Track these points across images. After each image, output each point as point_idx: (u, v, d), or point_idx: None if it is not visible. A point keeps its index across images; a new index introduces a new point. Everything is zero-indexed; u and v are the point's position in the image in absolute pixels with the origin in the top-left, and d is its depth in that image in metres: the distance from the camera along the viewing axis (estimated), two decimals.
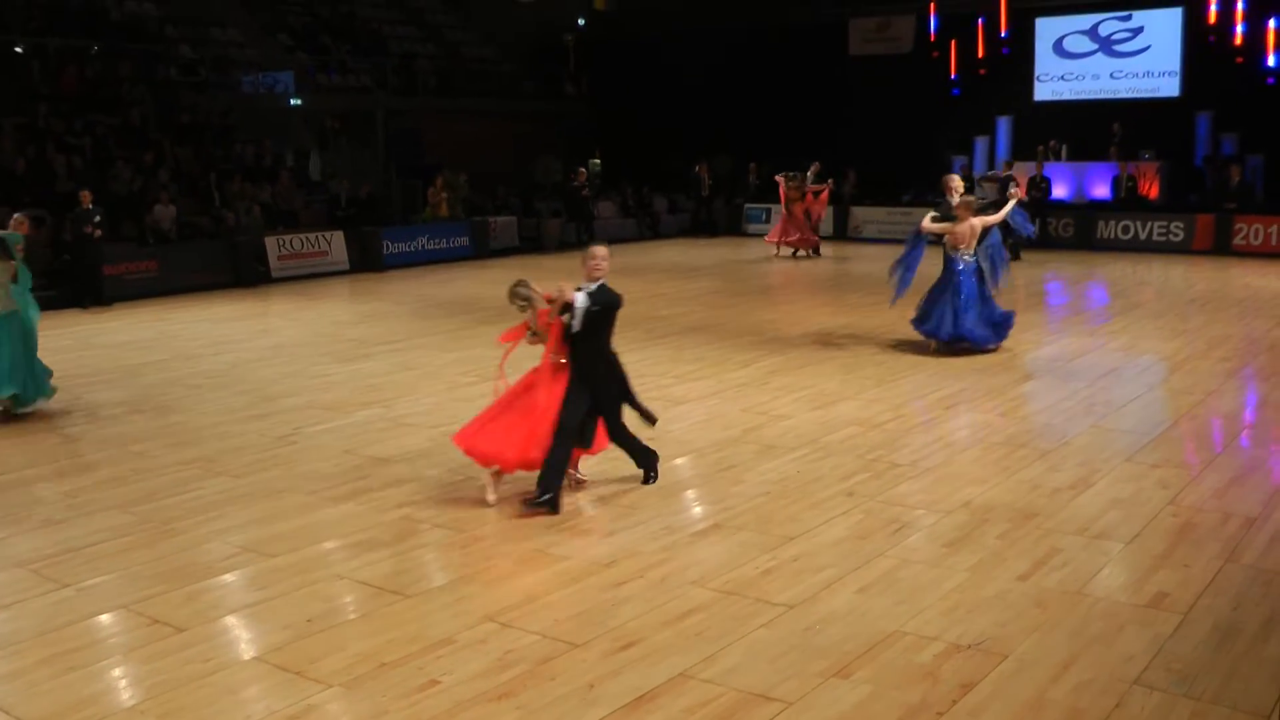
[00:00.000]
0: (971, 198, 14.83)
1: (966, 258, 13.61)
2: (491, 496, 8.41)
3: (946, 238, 13.71)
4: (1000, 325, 13.98)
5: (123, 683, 5.88)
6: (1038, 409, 11.46)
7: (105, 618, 6.61)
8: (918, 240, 14.23)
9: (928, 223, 13.85)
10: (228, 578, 7.21)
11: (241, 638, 6.41)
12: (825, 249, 26.21)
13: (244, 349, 15.30)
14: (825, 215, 26.75)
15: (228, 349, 15.32)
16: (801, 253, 25.42)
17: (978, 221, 13.61)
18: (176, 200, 23.10)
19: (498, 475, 8.44)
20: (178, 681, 5.78)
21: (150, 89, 26.47)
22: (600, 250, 8.33)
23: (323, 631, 6.34)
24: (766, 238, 26.16)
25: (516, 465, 8.33)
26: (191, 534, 7.98)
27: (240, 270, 22.18)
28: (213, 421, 11.28)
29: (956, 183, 14.26)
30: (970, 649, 6.00)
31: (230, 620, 6.59)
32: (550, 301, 8.35)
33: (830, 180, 26.48)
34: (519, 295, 8.49)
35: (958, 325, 13.57)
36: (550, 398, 8.23)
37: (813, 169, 26.13)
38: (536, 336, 8.50)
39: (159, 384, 13.18)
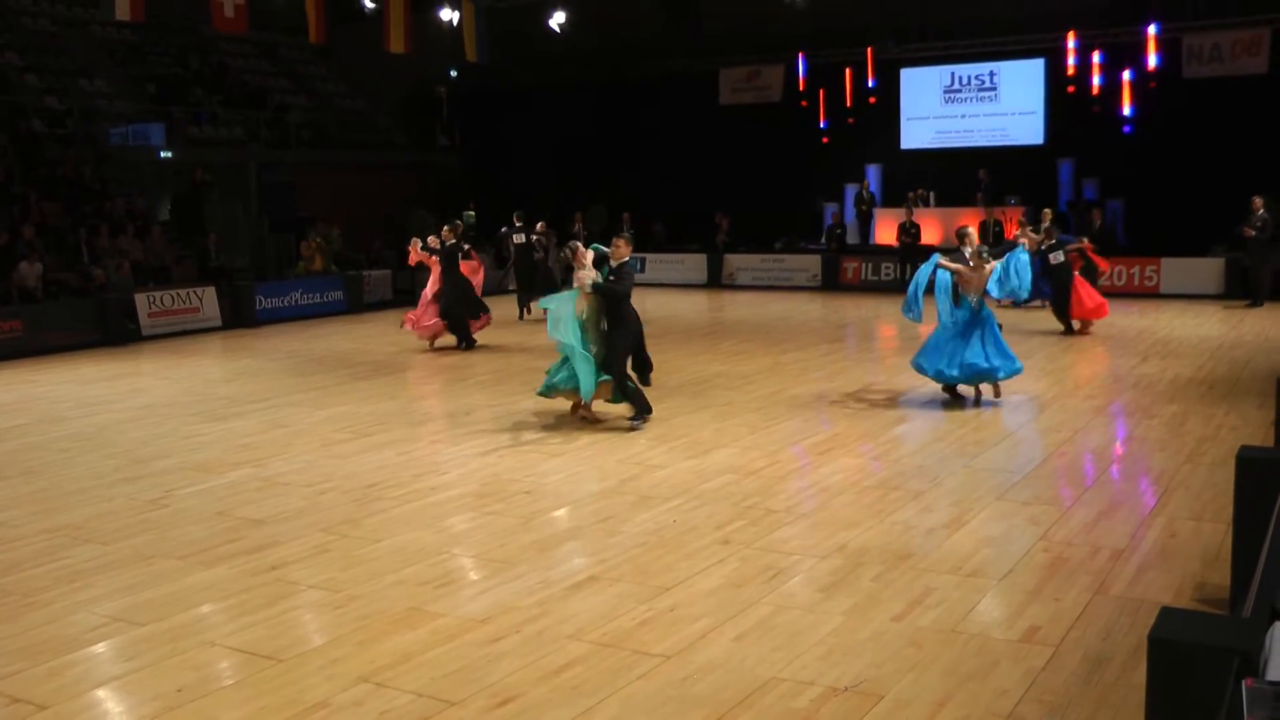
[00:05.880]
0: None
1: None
2: None
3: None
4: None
5: None
6: (910, 451, 11.65)
7: None
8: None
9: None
10: (95, 649, 7.00)
11: (109, 712, 6.22)
12: (701, 296, 26.54)
13: (113, 410, 14.94)
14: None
15: (96, 410, 14.95)
16: None
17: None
18: (43, 257, 22.55)
19: None
20: None
21: (13, 141, 25.85)
22: None
23: (194, 701, 6.19)
24: None
25: None
26: (57, 605, 7.74)
27: (109, 328, 21.65)
28: (81, 487, 10.98)
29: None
30: (847, 691, 6.06)
31: (97, 694, 6.39)
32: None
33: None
34: None
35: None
36: None
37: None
38: None
39: (23, 449, 12.82)
